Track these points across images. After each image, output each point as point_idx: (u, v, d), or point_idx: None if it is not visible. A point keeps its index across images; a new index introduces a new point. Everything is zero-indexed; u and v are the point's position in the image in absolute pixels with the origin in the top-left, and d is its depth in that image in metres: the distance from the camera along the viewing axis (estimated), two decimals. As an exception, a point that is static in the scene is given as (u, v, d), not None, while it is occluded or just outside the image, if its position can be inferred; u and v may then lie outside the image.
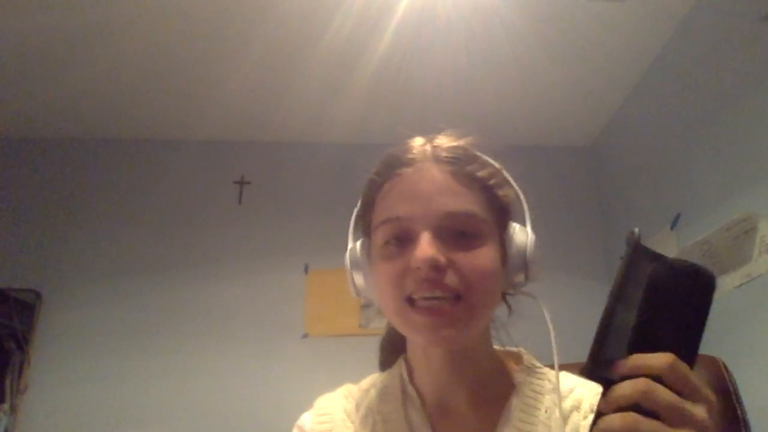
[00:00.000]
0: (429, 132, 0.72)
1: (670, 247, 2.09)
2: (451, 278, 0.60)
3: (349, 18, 2.02)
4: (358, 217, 0.73)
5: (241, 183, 2.71)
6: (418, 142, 0.69)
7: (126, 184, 2.67)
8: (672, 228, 2.13)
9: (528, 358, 0.73)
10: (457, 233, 0.62)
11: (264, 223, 2.65)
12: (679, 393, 0.41)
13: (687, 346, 0.44)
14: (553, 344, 0.64)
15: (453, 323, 0.60)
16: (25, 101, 2.46)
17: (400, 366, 0.74)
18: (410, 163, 0.66)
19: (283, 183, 2.73)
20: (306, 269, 2.59)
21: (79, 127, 2.67)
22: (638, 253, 0.45)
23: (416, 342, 0.69)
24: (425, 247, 0.59)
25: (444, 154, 0.66)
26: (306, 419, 0.73)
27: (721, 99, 1.89)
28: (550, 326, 0.64)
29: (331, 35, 2.09)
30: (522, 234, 0.67)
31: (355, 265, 0.69)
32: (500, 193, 0.68)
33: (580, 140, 2.90)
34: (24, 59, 2.21)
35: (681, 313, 0.44)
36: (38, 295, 2.41)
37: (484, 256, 0.62)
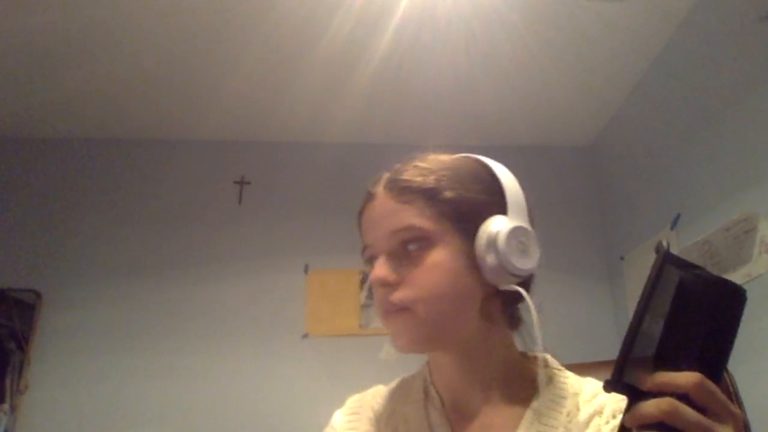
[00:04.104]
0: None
1: (670, 247, 2.09)
2: (402, 293, 0.65)
3: (349, 18, 2.02)
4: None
5: (241, 183, 2.71)
6: (385, 175, 0.73)
7: (126, 184, 2.67)
8: (672, 228, 2.13)
9: (552, 361, 0.73)
10: (406, 248, 0.66)
11: (264, 223, 2.65)
12: (705, 411, 0.41)
13: (714, 359, 0.43)
14: (536, 336, 0.63)
15: (404, 333, 0.65)
16: (25, 101, 2.46)
17: (424, 367, 0.76)
18: (370, 196, 0.71)
19: (283, 183, 2.73)
20: (306, 269, 2.59)
21: (79, 127, 2.67)
22: (667, 261, 0.44)
23: None
24: (376, 268, 0.66)
25: (390, 176, 0.70)
26: (337, 417, 0.76)
27: (721, 99, 1.89)
28: (536, 322, 0.63)
29: (331, 35, 2.09)
30: (491, 226, 0.64)
31: None
32: (448, 194, 0.66)
33: (580, 140, 2.90)
34: (24, 59, 2.21)
35: (709, 325, 0.43)
36: (38, 295, 2.41)
37: (433, 267, 0.64)
